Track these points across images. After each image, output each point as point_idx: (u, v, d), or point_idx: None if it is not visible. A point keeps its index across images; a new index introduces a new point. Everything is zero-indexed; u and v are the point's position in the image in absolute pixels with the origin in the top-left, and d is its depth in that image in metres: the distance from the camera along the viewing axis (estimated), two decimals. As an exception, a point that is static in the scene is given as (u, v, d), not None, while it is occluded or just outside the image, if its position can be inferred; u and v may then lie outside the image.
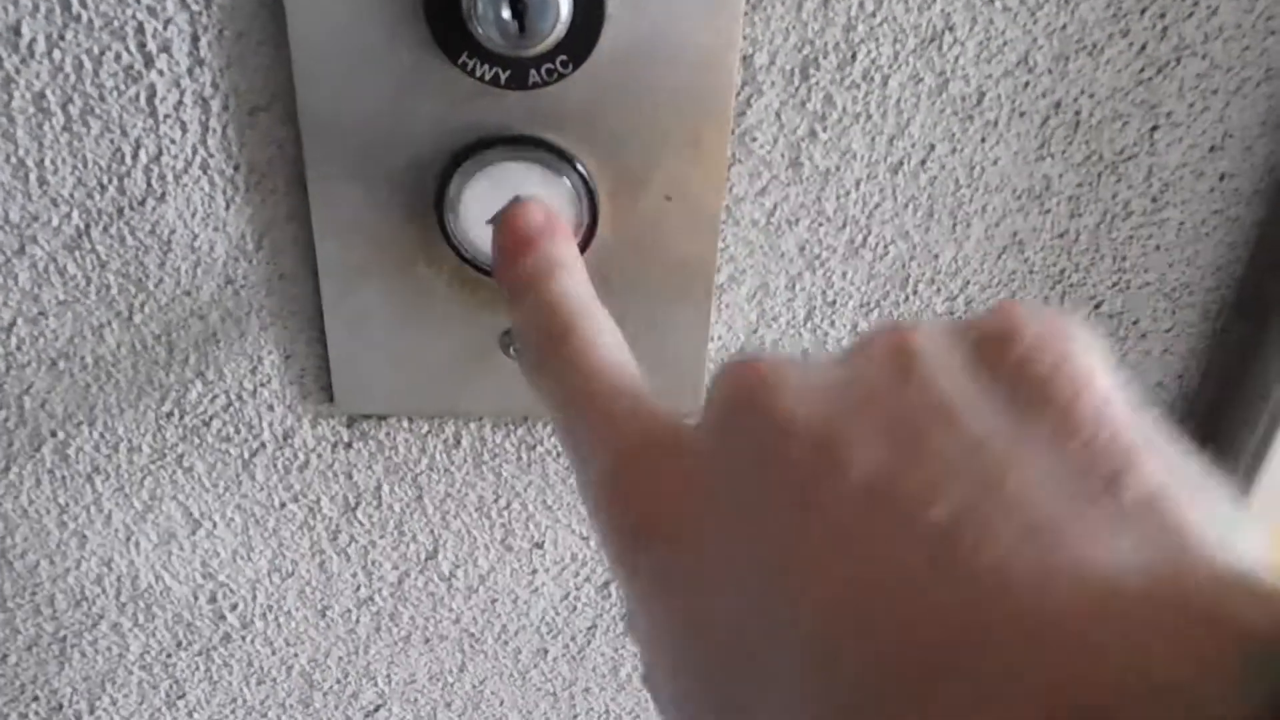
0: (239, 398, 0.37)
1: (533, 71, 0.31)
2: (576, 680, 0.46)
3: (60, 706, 0.44)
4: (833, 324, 0.37)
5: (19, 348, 0.35)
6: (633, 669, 0.46)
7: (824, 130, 0.33)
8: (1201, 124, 0.34)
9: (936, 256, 0.36)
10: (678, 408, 0.37)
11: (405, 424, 0.38)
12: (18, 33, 0.30)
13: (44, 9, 0.29)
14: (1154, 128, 0.34)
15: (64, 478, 0.38)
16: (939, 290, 0.37)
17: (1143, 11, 0.32)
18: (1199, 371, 0.39)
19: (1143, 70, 0.33)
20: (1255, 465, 0.38)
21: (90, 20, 0.30)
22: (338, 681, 0.45)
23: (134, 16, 0.30)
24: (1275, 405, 0.37)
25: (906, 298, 0.37)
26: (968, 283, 0.36)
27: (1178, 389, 0.40)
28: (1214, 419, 0.40)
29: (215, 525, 0.40)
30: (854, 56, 0.32)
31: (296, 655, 0.44)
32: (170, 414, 0.37)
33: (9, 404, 0.36)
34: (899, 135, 0.34)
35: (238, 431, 0.38)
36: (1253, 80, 0.33)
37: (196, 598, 0.42)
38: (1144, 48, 0.33)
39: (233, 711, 0.45)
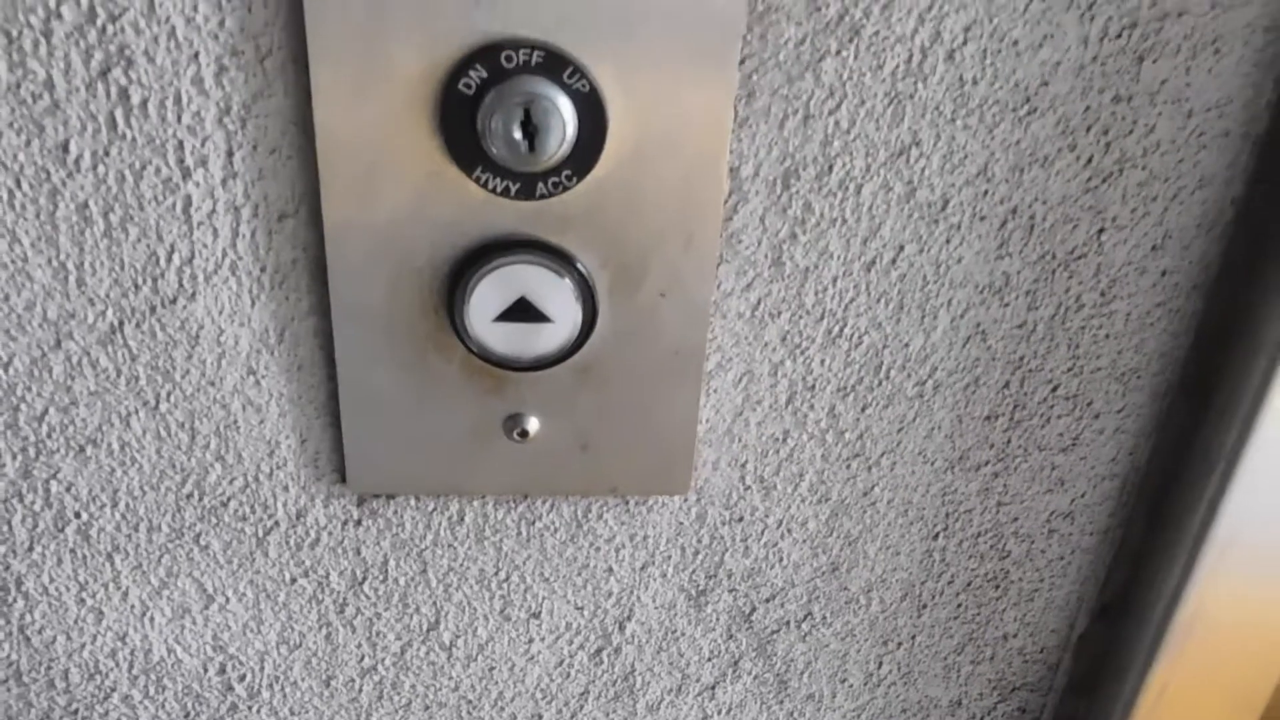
0: (255, 479, 0.39)
1: (540, 184, 0.34)
2: (570, 744, 0.48)
3: (69, 778, 0.45)
4: (812, 407, 0.40)
5: (49, 435, 0.37)
6: (623, 732, 0.48)
7: (803, 233, 0.36)
8: (1143, 227, 0.37)
9: (907, 345, 0.39)
10: (666, 487, 0.40)
11: (412, 502, 0.40)
12: (65, 149, 0.32)
13: (91, 128, 0.32)
14: (1101, 230, 0.37)
15: (85, 556, 0.40)
16: (909, 375, 0.40)
17: (1088, 129, 0.35)
18: (1149, 448, 0.42)
19: (1090, 180, 0.36)
20: (1201, 535, 0.41)
21: (134, 138, 0.32)
22: (340, 749, 0.46)
23: (174, 135, 0.32)
24: (1218, 479, 0.40)
25: (880, 382, 0.40)
26: (935, 368, 0.40)
27: (1129, 464, 0.43)
28: (1164, 492, 0.43)
29: (228, 600, 0.42)
30: (831, 168, 0.35)
31: (301, 724, 0.45)
32: (190, 495, 0.39)
33: (36, 488, 0.38)
34: (871, 237, 0.37)
35: (253, 511, 0.40)
36: (1188, 188, 0.37)
37: (206, 670, 0.43)
38: (1090, 160, 0.36)
39: (237, 780, 0.46)
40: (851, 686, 0.48)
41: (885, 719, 0.49)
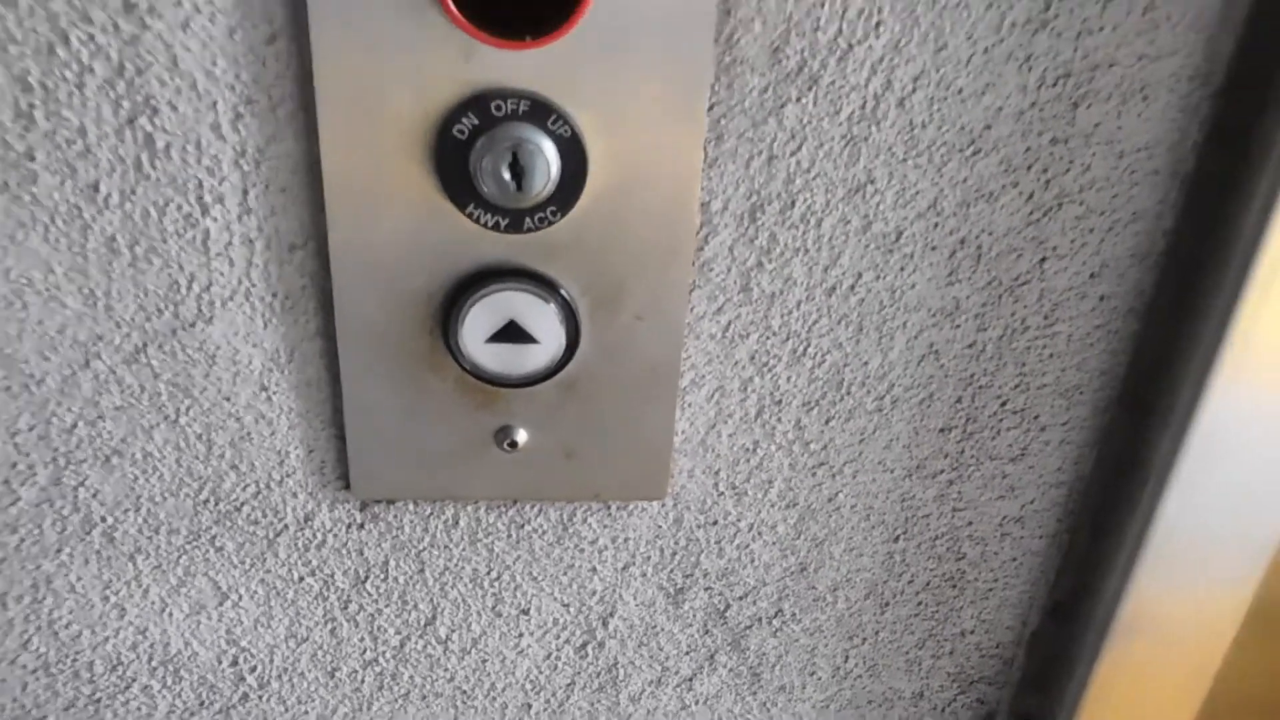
0: (267, 486, 0.42)
1: (527, 219, 0.37)
2: (557, 732, 0.51)
3: (91, 762, 0.49)
4: (779, 420, 0.43)
5: (78, 446, 0.40)
6: (608, 721, 0.51)
7: (769, 262, 0.40)
8: (1082, 256, 0.41)
9: (866, 363, 0.42)
10: (645, 493, 0.44)
11: (411, 507, 0.44)
12: (96, 189, 0.36)
13: (119, 170, 0.35)
14: (1043, 259, 0.41)
15: (109, 557, 0.43)
16: (869, 391, 0.43)
17: (1029, 168, 0.39)
18: (1092, 458, 0.46)
19: (1031, 214, 0.40)
20: (1140, 540, 0.44)
21: (158, 179, 0.36)
22: (343, 736, 0.50)
23: (195, 175, 0.36)
24: (1154, 488, 0.44)
25: (842, 397, 0.43)
26: (893, 385, 0.43)
27: (1074, 472, 0.46)
28: (1106, 499, 0.46)
29: (240, 597, 0.45)
30: (793, 203, 0.39)
31: (307, 713, 0.49)
32: (206, 501, 0.42)
33: (66, 495, 0.41)
34: (832, 265, 0.40)
35: (264, 515, 0.43)
36: (1122, 221, 0.40)
37: (220, 662, 0.47)
38: (1031, 196, 0.39)
39: (247, 765, 0.50)
40: (820, 679, 0.51)
41: (853, 709, 0.52)
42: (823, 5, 0.35)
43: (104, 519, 0.42)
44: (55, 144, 0.35)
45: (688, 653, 0.49)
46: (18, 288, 0.37)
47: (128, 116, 0.35)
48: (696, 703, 0.51)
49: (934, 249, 0.40)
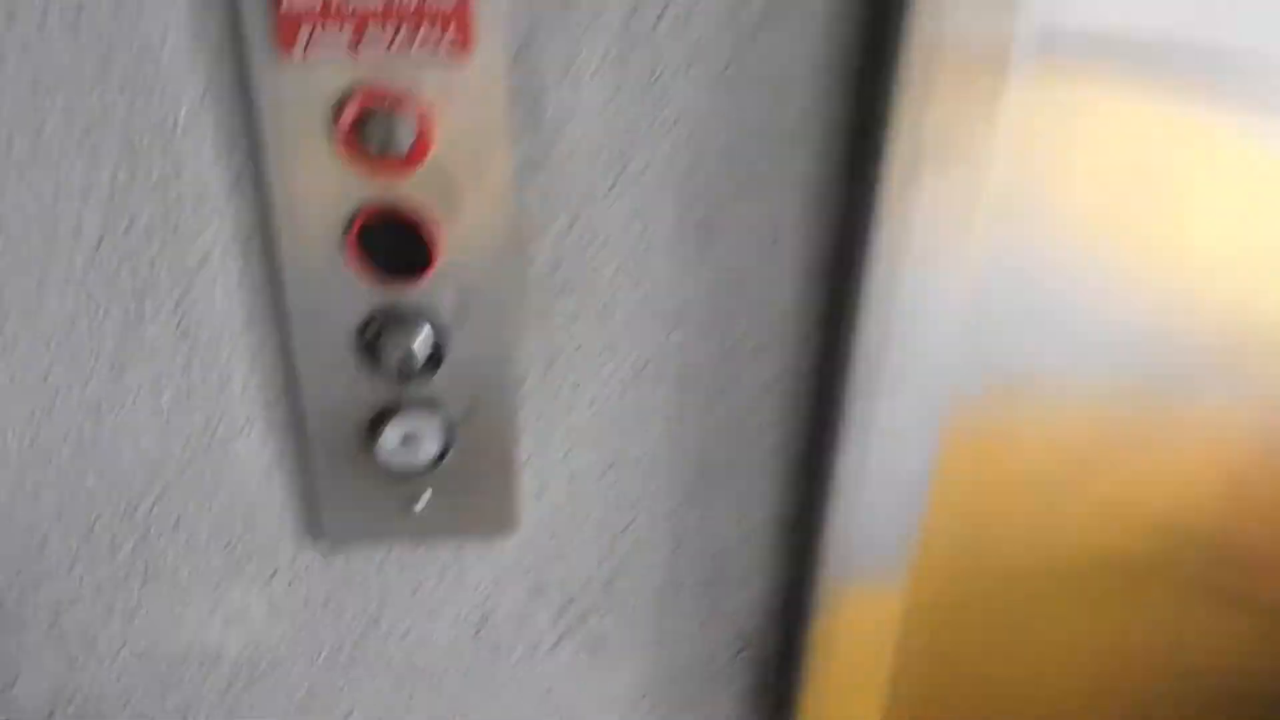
0: (278, 539, 0.69)
1: (414, 378, 0.63)
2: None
3: None
4: (590, 492, 0.70)
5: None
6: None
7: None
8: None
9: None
10: (503, 530, 0.70)
11: (362, 546, 0.70)
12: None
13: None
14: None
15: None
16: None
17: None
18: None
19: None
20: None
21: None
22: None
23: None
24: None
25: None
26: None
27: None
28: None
29: (248, 607, 0.71)
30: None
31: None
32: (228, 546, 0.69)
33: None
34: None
35: (266, 557, 0.69)
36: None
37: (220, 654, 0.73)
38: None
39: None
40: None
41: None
42: (587, 248, 0.61)
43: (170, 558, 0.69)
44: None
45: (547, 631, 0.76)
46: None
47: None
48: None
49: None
